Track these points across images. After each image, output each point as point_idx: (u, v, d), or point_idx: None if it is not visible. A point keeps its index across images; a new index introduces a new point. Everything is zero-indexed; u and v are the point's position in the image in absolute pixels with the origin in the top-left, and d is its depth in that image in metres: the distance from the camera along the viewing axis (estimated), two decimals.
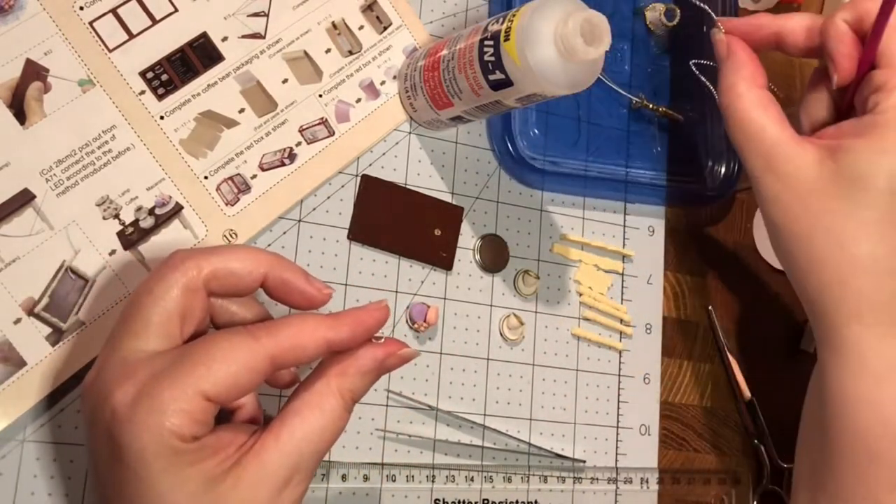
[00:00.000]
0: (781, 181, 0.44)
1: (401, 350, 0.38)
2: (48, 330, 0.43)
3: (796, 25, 0.47)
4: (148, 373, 0.33)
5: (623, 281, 0.59)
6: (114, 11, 0.47)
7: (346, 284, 0.51)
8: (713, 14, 0.61)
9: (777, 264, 0.67)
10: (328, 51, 0.52)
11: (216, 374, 0.33)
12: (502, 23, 0.44)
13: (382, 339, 0.38)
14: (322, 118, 0.51)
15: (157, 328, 0.35)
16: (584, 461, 0.55)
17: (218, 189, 0.48)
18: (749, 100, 0.46)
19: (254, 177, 0.49)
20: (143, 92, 0.47)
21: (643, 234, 0.61)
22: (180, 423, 0.32)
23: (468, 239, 0.55)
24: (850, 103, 0.46)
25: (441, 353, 0.53)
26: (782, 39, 0.47)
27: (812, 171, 0.43)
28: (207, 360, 0.33)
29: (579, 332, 0.57)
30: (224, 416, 0.39)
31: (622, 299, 0.59)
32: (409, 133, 0.54)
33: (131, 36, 0.47)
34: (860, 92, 0.44)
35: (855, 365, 0.44)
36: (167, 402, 0.32)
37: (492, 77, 0.45)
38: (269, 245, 0.49)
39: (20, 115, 0.44)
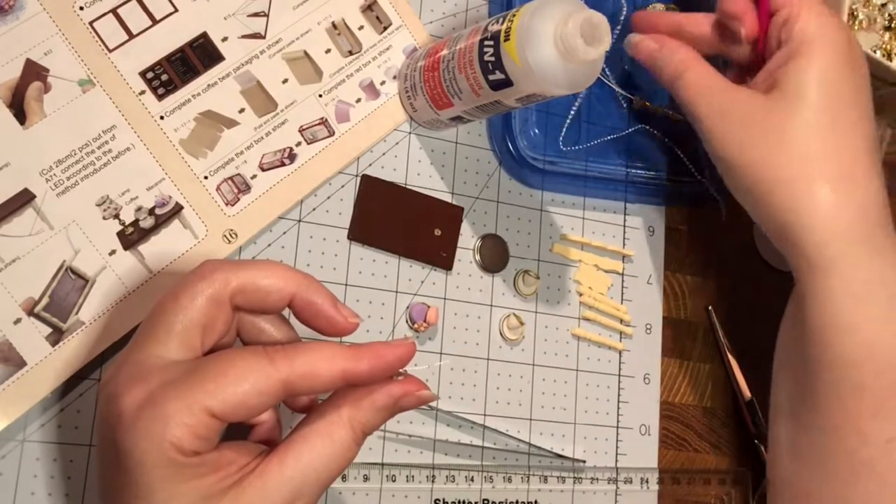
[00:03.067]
0: (735, 119, 0.47)
1: (419, 391, 0.37)
2: (48, 330, 0.43)
3: (699, 17, 0.52)
4: (159, 380, 0.33)
5: (623, 281, 0.59)
6: (114, 11, 0.47)
7: (346, 284, 0.51)
8: None
9: (777, 264, 0.67)
10: (328, 51, 0.52)
11: (225, 392, 0.33)
12: (502, 23, 0.44)
13: (402, 377, 0.37)
14: (322, 118, 0.51)
15: (178, 336, 0.35)
16: (584, 461, 0.55)
17: (218, 189, 0.48)
18: (697, 68, 0.49)
19: (254, 177, 0.49)
20: (143, 92, 0.47)
21: (643, 234, 0.61)
22: (181, 437, 0.32)
23: (468, 239, 0.55)
24: (762, 56, 0.50)
25: (441, 353, 0.53)
26: (682, 27, 0.52)
27: (758, 101, 0.47)
28: (218, 377, 0.33)
29: (579, 332, 0.57)
30: (242, 430, 0.38)
31: (622, 299, 0.59)
32: (409, 133, 0.54)
33: (131, 36, 0.47)
34: (769, 42, 0.49)
35: (833, 286, 0.45)
36: (171, 414, 0.32)
37: (492, 77, 0.45)
38: (269, 245, 0.49)
39: (20, 115, 0.44)
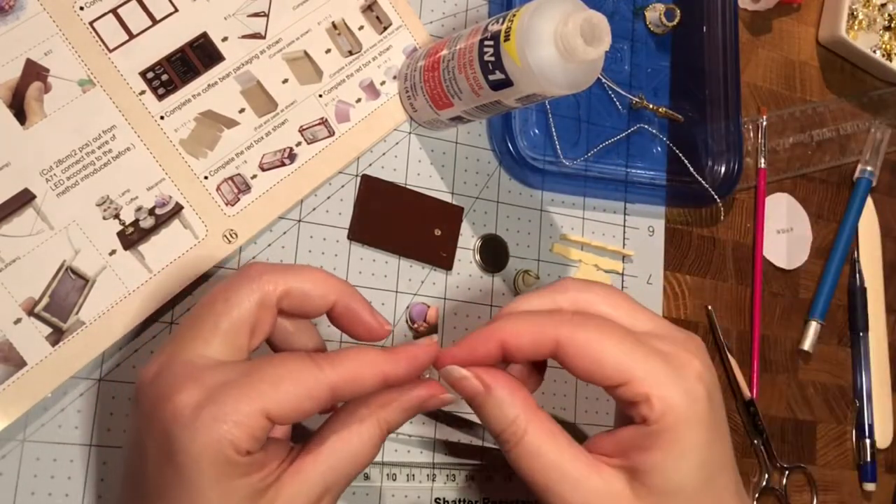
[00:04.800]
0: None
1: (442, 395, 0.39)
2: (48, 330, 0.43)
3: (520, 328, 0.39)
4: (216, 380, 0.34)
5: (623, 281, 0.59)
6: (114, 11, 0.47)
7: None
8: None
9: (778, 264, 0.67)
10: (328, 51, 0.52)
11: (281, 395, 0.34)
12: (502, 23, 0.44)
13: (428, 376, 0.40)
14: (322, 118, 0.51)
15: (226, 337, 0.36)
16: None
17: (218, 189, 0.48)
18: (538, 430, 0.38)
19: (254, 177, 0.49)
20: (143, 92, 0.47)
21: (643, 234, 0.61)
22: (240, 436, 0.33)
23: (468, 239, 0.55)
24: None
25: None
26: (507, 348, 0.39)
27: (624, 497, 0.38)
28: (275, 379, 0.34)
29: None
30: None
31: None
32: (409, 133, 0.54)
33: (131, 36, 0.47)
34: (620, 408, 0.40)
35: None
36: (231, 413, 0.33)
37: (492, 77, 0.45)
38: (269, 245, 0.49)
39: (20, 115, 0.44)
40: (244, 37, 0.50)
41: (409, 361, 0.38)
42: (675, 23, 0.63)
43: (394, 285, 0.52)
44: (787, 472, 0.64)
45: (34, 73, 0.45)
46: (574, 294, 0.40)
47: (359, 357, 0.36)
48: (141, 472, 0.35)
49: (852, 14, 0.72)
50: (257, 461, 0.34)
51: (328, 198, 0.51)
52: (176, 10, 0.48)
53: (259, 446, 0.34)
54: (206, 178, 0.48)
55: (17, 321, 0.42)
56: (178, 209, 0.47)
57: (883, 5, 0.74)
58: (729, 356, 0.62)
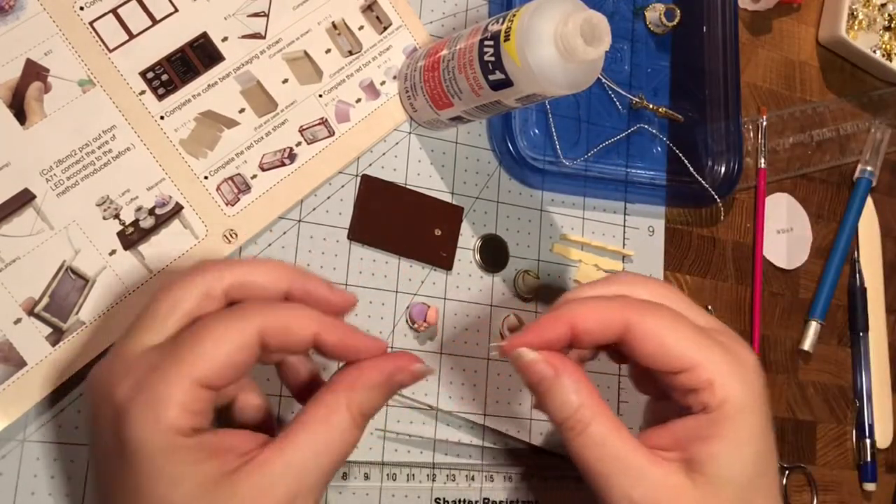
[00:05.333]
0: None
1: (412, 365, 0.37)
2: (48, 330, 0.43)
3: (590, 311, 0.39)
4: (144, 367, 0.33)
5: None
6: (114, 11, 0.47)
7: (346, 284, 0.51)
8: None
9: (778, 264, 0.67)
10: (328, 51, 0.52)
11: (207, 358, 0.33)
12: (502, 23, 0.44)
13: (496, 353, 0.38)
14: (322, 118, 0.51)
15: (168, 326, 0.35)
16: None
17: (218, 189, 0.48)
18: (604, 422, 0.38)
19: (254, 177, 0.49)
20: (143, 92, 0.47)
21: (643, 234, 0.61)
22: (176, 416, 0.32)
23: (468, 239, 0.55)
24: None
25: (441, 353, 0.53)
26: (577, 331, 0.39)
27: (680, 490, 0.38)
28: (196, 345, 0.33)
29: None
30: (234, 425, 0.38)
31: None
32: (409, 133, 0.54)
33: (131, 36, 0.47)
34: (671, 391, 0.40)
35: None
36: (161, 396, 0.32)
37: (492, 77, 0.45)
38: (269, 245, 0.49)
39: (20, 115, 0.44)
40: (244, 37, 0.50)
41: (343, 335, 0.36)
42: (675, 23, 0.63)
43: (394, 285, 0.52)
44: (787, 472, 0.63)
45: (34, 73, 0.45)
46: (632, 286, 0.41)
47: (291, 308, 0.36)
48: (100, 473, 0.35)
49: (852, 14, 0.72)
50: (209, 446, 0.33)
51: (328, 198, 0.51)
52: (176, 10, 0.48)
53: (204, 421, 0.33)
54: (206, 178, 0.48)
55: (17, 321, 0.42)
56: (178, 209, 0.47)
57: (883, 5, 0.74)
58: None
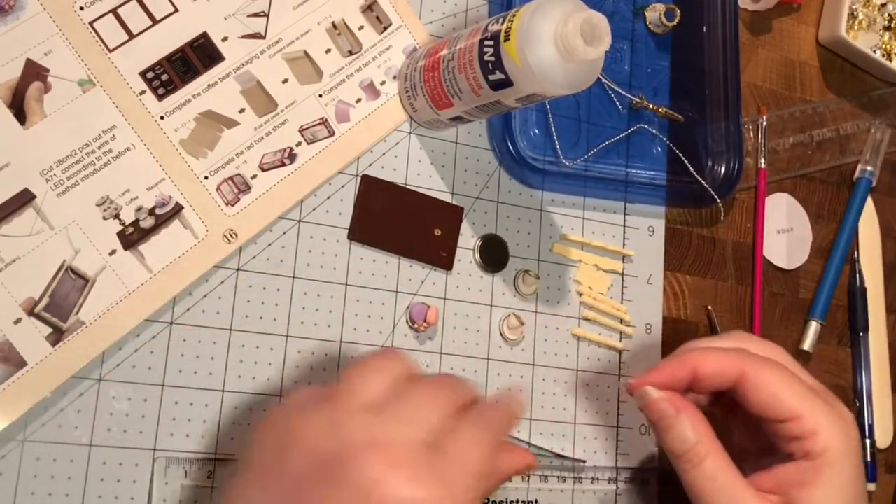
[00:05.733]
0: None
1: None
2: (48, 330, 0.43)
3: (711, 358, 0.45)
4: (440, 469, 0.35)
5: (623, 281, 0.59)
6: (114, 11, 0.47)
7: (346, 284, 0.51)
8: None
9: (778, 264, 0.67)
10: (328, 51, 0.52)
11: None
12: (502, 23, 0.44)
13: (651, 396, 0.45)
14: (322, 118, 0.51)
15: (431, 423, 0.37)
16: (584, 461, 0.55)
17: (218, 189, 0.48)
18: (718, 459, 0.43)
19: (254, 177, 0.49)
20: (143, 92, 0.47)
21: (643, 234, 0.61)
22: None
23: (468, 239, 0.55)
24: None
25: (441, 353, 0.53)
26: (697, 375, 0.45)
27: None
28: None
29: (579, 332, 0.57)
30: None
31: (622, 299, 0.59)
32: (409, 133, 0.54)
33: (131, 36, 0.47)
34: (776, 439, 0.45)
35: None
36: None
37: (492, 77, 0.45)
38: (269, 245, 0.49)
39: (20, 115, 0.44)
40: (244, 37, 0.50)
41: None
42: (675, 23, 0.63)
43: (394, 285, 0.52)
44: None
45: (34, 73, 0.45)
46: (750, 343, 0.46)
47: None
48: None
49: (852, 14, 0.72)
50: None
51: (328, 198, 0.51)
52: (176, 10, 0.48)
53: None
54: (206, 178, 0.48)
55: (17, 321, 0.42)
56: (178, 209, 0.47)
57: (883, 5, 0.74)
58: None
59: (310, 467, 0.34)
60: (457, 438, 0.36)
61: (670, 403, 0.44)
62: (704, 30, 0.64)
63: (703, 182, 0.62)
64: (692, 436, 0.43)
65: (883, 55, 0.73)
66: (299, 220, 0.50)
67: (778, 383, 0.43)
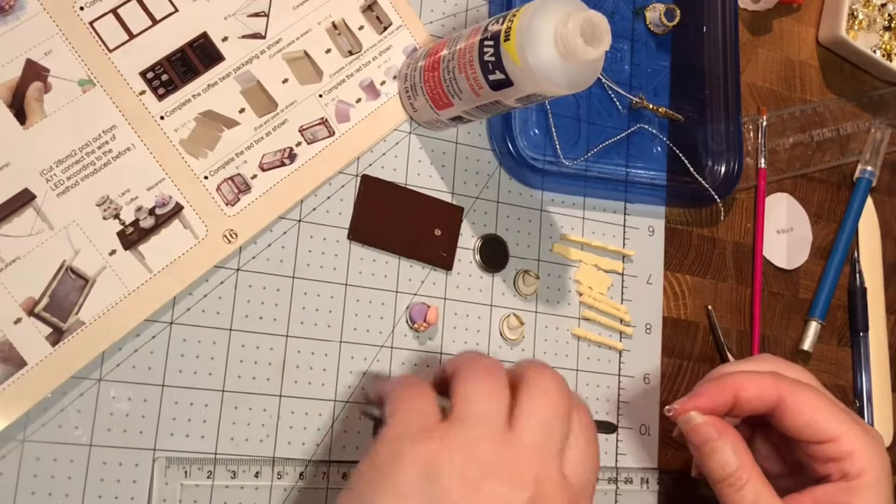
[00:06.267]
0: None
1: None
2: (48, 330, 0.43)
3: (751, 382, 0.46)
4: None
5: (623, 281, 0.59)
6: (114, 11, 0.47)
7: (346, 284, 0.51)
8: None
9: (778, 264, 0.67)
10: (328, 51, 0.52)
11: None
12: (502, 23, 0.44)
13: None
14: (322, 118, 0.51)
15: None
16: (616, 425, 0.55)
17: (218, 189, 0.48)
18: (759, 483, 0.45)
19: (254, 177, 0.49)
20: (143, 92, 0.47)
21: (643, 234, 0.61)
22: None
23: (468, 239, 0.55)
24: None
25: (441, 353, 0.53)
26: (738, 398, 0.46)
27: None
28: None
29: (579, 332, 0.57)
30: None
31: (622, 299, 0.59)
32: (409, 133, 0.54)
33: (131, 36, 0.47)
34: (809, 461, 0.46)
35: None
36: None
37: (492, 77, 0.45)
38: (269, 245, 0.49)
39: (20, 115, 0.44)
40: (244, 37, 0.50)
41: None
42: (675, 23, 0.63)
43: (394, 285, 0.52)
44: None
45: (34, 73, 0.45)
46: (781, 366, 0.48)
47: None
48: None
49: (852, 14, 0.72)
50: None
51: (328, 198, 0.51)
52: (176, 10, 0.48)
53: None
54: (206, 178, 0.48)
55: (17, 321, 0.42)
56: (178, 209, 0.47)
57: (883, 5, 0.74)
58: (729, 356, 0.62)
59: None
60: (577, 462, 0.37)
61: (714, 427, 0.45)
62: (704, 30, 0.64)
63: (703, 182, 0.62)
64: (734, 460, 0.44)
65: (883, 55, 0.73)
66: (299, 220, 0.50)
67: (815, 406, 0.45)
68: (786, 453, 0.49)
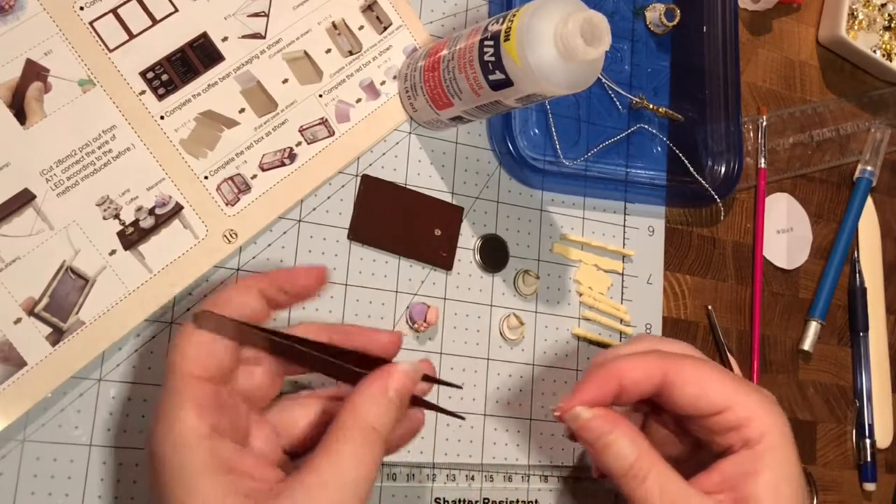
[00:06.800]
0: None
1: (402, 368, 0.39)
2: (48, 330, 0.43)
3: (633, 364, 0.42)
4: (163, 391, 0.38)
5: (623, 281, 0.59)
6: (114, 11, 0.47)
7: (346, 284, 0.51)
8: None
9: (778, 264, 0.67)
10: (328, 51, 0.52)
11: (189, 356, 0.37)
12: (502, 23, 0.44)
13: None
14: (322, 118, 0.51)
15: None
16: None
17: (218, 189, 0.48)
18: (663, 472, 0.41)
19: (254, 177, 0.49)
20: (143, 92, 0.47)
21: (643, 234, 0.61)
22: (187, 416, 0.35)
23: (468, 239, 0.55)
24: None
25: (441, 353, 0.53)
26: (623, 384, 0.42)
27: None
28: (176, 351, 0.38)
29: (579, 332, 0.57)
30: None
31: (622, 299, 0.59)
32: (409, 133, 0.54)
33: (131, 36, 0.47)
34: (705, 436, 0.43)
35: None
36: (172, 403, 0.36)
37: (492, 77, 0.45)
38: (269, 245, 0.49)
39: (20, 115, 0.44)
40: (244, 37, 0.50)
41: (278, 273, 0.41)
42: (675, 23, 0.63)
43: (394, 285, 0.52)
44: None
45: (34, 73, 0.45)
46: (661, 343, 0.45)
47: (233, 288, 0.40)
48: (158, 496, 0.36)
49: (852, 14, 0.72)
50: (225, 460, 0.35)
51: (328, 198, 0.51)
52: (176, 10, 0.48)
53: (221, 419, 0.36)
54: (206, 178, 0.48)
55: (17, 321, 0.42)
56: (178, 209, 0.47)
57: (883, 5, 0.74)
58: (729, 356, 0.62)
59: None
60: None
61: (605, 420, 0.41)
62: (704, 30, 0.64)
63: (703, 182, 0.62)
64: (632, 451, 0.40)
65: (883, 55, 0.73)
66: (299, 220, 0.50)
67: (703, 377, 0.42)
68: (683, 434, 0.46)
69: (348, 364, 0.39)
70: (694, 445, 0.46)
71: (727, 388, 0.42)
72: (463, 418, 0.45)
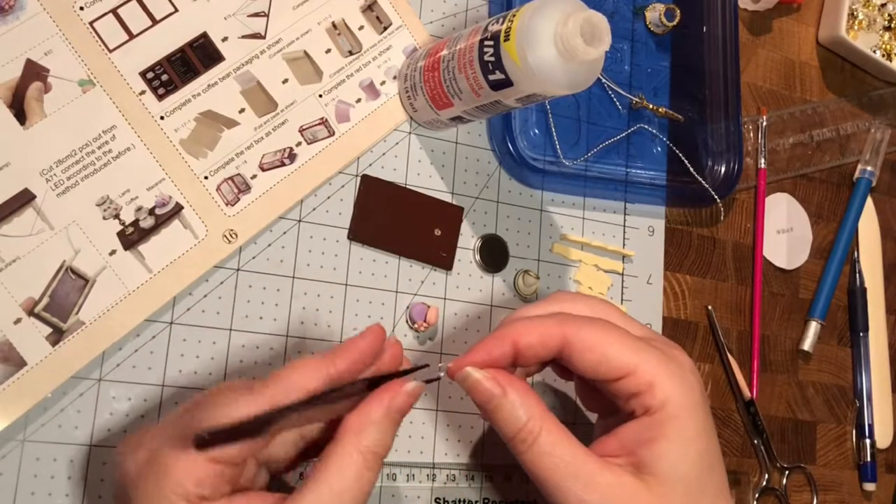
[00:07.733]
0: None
1: (404, 387, 0.39)
2: (48, 330, 0.43)
3: (530, 328, 0.40)
4: (159, 437, 0.36)
5: (623, 281, 0.59)
6: (114, 11, 0.47)
7: (346, 284, 0.51)
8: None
9: (778, 264, 0.67)
10: (328, 51, 0.52)
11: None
12: (502, 23, 0.44)
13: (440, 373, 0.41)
14: (322, 118, 0.51)
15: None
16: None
17: (218, 189, 0.48)
18: (554, 431, 0.39)
19: (254, 177, 0.49)
20: (143, 92, 0.47)
21: (643, 234, 0.61)
22: (182, 481, 0.34)
23: (468, 239, 0.55)
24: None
25: (441, 353, 0.53)
26: (519, 348, 0.40)
27: (630, 488, 0.39)
28: (208, 422, 0.35)
29: None
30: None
31: (622, 299, 0.59)
32: (409, 133, 0.54)
33: (131, 36, 0.47)
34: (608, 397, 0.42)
35: None
36: (169, 464, 0.34)
37: (492, 77, 0.45)
38: (269, 245, 0.49)
39: (20, 115, 0.44)
40: (244, 37, 0.50)
41: (348, 355, 0.38)
42: (675, 23, 0.63)
43: (394, 285, 0.52)
44: (787, 472, 0.63)
45: (34, 73, 0.45)
46: (570, 304, 0.42)
47: (298, 368, 0.37)
48: None
49: (852, 14, 0.72)
50: None
51: (328, 198, 0.51)
52: (176, 10, 0.48)
53: (215, 492, 0.34)
54: (206, 178, 0.48)
55: (17, 321, 0.42)
56: (178, 209, 0.47)
57: (883, 5, 0.74)
58: (729, 356, 0.62)
59: None
60: None
61: (495, 382, 0.39)
62: (704, 30, 0.64)
63: (703, 182, 0.62)
64: (522, 413, 0.39)
65: (883, 55, 0.73)
66: (299, 220, 0.50)
67: (604, 340, 0.40)
68: (601, 394, 0.44)
69: (352, 392, 0.39)
70: (611, 405, 0.43)
71: (629, 353, 0.39)
72: (439, 378, 0.42)
